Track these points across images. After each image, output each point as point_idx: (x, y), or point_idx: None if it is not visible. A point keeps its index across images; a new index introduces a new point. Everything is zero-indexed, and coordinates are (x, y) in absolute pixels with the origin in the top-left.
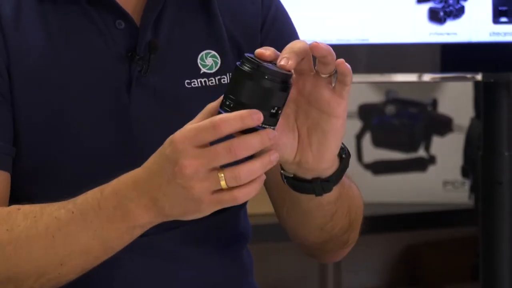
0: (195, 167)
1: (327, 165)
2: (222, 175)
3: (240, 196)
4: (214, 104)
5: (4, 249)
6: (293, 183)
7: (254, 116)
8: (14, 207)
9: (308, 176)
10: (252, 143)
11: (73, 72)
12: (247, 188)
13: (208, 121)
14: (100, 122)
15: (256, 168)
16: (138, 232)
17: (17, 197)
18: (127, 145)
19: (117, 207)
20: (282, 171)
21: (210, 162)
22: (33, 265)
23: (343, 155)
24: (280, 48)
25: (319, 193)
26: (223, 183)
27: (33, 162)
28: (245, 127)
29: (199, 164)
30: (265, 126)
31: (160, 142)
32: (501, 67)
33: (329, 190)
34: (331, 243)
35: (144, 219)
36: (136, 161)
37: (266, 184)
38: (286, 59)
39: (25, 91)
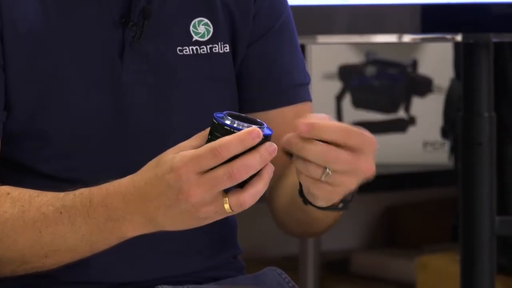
0: (200, 194)
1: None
2: (226, 199)
3: (247, 204)
4: None
5: None
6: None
7: (254, 134)
8: (4, 190)
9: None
10: (253, 163)
11: (66, 38)
12: (253, 193)
13: (208, 148)
14: (93, 88)
15: (260, 190)
16: (127, 238)
17: (5, 160)
18: (119, 110)
19: (108, 219)
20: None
21: (213, 188)
22: (18, 254)
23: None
24: (272, 17)
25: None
26: (227, 207)
27: (24, 127)
28: (246, 148)
29: (203, 191)
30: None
31: (151, 108)
32: (481, 28)
33: (335, 210)
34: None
35: (137, 232)
36: (127, 127)
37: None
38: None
39: (18, 56)
